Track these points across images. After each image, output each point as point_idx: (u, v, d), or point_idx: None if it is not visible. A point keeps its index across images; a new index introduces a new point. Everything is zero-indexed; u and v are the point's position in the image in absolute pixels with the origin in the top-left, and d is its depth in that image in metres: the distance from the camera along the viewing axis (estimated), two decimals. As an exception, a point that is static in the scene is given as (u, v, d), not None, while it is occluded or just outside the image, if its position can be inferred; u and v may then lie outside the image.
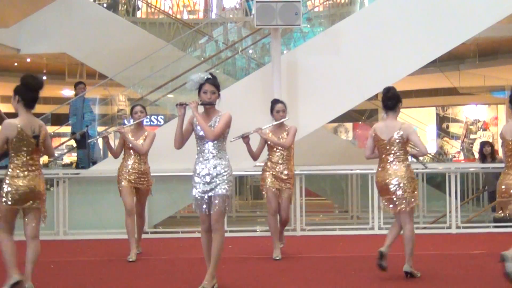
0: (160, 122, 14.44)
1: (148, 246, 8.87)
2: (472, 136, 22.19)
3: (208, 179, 5.64)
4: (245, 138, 7.06)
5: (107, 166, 10.30)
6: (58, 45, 13.82)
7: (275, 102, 7.70)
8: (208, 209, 5.68)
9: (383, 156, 6.33)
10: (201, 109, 5.72)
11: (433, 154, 18.43)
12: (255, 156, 7.43)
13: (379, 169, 6.38)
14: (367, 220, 10.00)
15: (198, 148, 5.75)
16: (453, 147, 22.16)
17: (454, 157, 21.61)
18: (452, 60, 16.95)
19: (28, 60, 17.47)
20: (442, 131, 22.19)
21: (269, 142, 7.46)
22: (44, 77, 19.42)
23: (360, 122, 21.82)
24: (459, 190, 9.95)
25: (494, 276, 6.53)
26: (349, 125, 23.47)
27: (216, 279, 5.71)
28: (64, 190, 9.59)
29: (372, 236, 9.51)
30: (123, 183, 7.69)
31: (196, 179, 5.71)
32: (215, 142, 5.65)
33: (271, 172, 7.48)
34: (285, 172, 7.45)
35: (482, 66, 17.56)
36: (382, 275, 6.57)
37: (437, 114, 22.31)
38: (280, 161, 7.45)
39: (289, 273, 6.61)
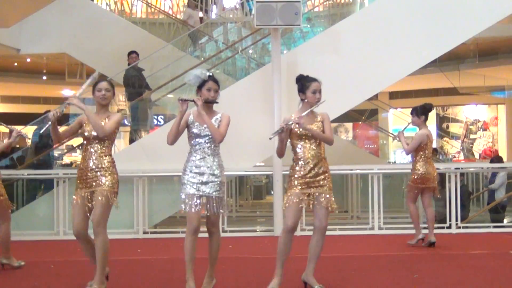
0: (160, 122, 14.41)
1: (148, 246, 8.88)
2: (472, 136, 22.20)
3: (200, 179, 5.53)
4: (285, 132, 5.68)
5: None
6: (58, 45, 13.82)
7: (309, 79, 5.94)
8: (198, 209, 5.53)
9: (428, 154, 8.23)
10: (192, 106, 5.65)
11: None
12: (283, 153, 5.82)
13: (423, 164, 8.18)
14: (367, 220, 10.01)
15: (192, 146, 5.62)
16: (453, 147, 22.16)
17: (454, 157, 21.63)
18: (452, 60, 16.95)
19: (28, 60, 17.47)
20: (442, 131, 22.20)
21: (298, 131, 5.72)
22: (44, 77, 19.48)
23: (360, 122, 21.82)
24: (459, 190, 9.96)
25: (493, 276, 6.54)
26: (349, 125, 23.49)
27: (215, 279, 5.73)
28: (64, 190, 9.59)
29: (372, 236, 9.53)
30: (76, 195, 5.73)
31: (188, 178, 5.56)
32: (211, 142, 5.56)
33: (300, 176, 5.67)
34: (321, 170, 5.70)
35: (482, 66, 17.56)
36: (382, 275, 6.58)
37: (437, 114, 22.30)
38: (312, 159, 5.68)
39: (288, 273, 6.60)
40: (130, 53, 12.06)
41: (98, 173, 5.64)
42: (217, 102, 5.67)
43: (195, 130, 5.60)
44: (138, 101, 11.48)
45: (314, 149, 5.70)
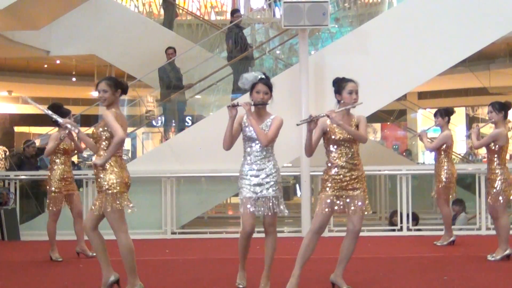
0: (187, 123, 14.50)
1: (176, 247, 8.93)
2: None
3: (256, 181, 5.61)
4: (314, 123, 5.54)
5: (135, 167, 10.37)
6: (87, 47, 13.95)
7: (345, 80, 5.74)
8: (253, 213, 5.64)
9: (451, 155, 8.64)
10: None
11: (462, 155, 18.25)
12: (312, 150, 5.63)
13: (451, 164, 8.48)
14: (395, 221, 9.95)
15: (247, 149, 5.72)
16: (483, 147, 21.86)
17: (484, 157, 21.36)
18: (482, 59, 16.75)
19: (58, 62, 17.67)
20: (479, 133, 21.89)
21: (333, 136, 5.62)
22: (73, 79, 19.69)
23: (388, 123, 21.69)
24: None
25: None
26: (378, 126, 23.34)
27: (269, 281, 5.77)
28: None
29: (400, 238, 9.47)
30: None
31: (244, 181, 5.67)
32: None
33: (334, 178, 5.59)
34: (355, 174, 5.60)
35: (513, 65, 17.34)
36: (411, 277, 6.53)
37: (467, 115, 22.09)
38: (346, 160, 5.59)
39: (315, 274, 6.58)
40: (233, 12, 12.58)
41: (101, 175, 5.48)
42: (266, 104, 5.68)
43: (248, 133, 5.67)
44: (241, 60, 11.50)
45: (350, 154, 5.59)
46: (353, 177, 5.58)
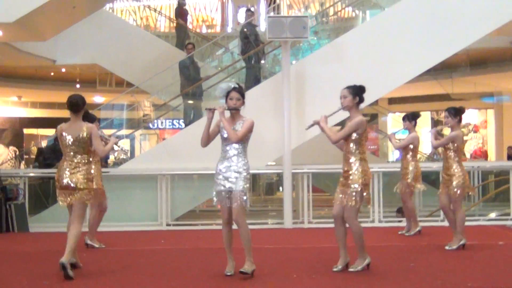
0: (181, 125, 14.48)
1: (171, 237, 8.91)
2: (464, 138, 22.01)
3: (227, 176, 5.67)
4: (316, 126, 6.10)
5: (133, 165, 10.35)
6: (90, 56, 13.91)
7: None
8: (228, 203, 5.70)
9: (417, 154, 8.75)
10: (227, 113, 5.79)
11: (428, 154, 18.35)
12: (339, 146, 6.13)
13: (416, 163, 8.62)
14: (368, 213, 9.99)
15: (222, 148, 5.79)
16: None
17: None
18: (445, 68, 16.82)
19: (63, 70, 17.57)
20: (437, 134, 22.02)
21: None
22: (77, 85, 19.60)
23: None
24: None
25: (483, 266, 6.50)
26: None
27: (254, 264, 5.82)
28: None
29: (372, 228, 9.50)
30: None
31: (218, 176, 5.74)
32: (238, 144, 5.69)
33: (341, 175, 6.04)
34: (348, 168, 5.97)
35: (473, 74, 17.42)
36: (381, 263, 6.55)
37: (432, 118, 22.20)
38: (344, 158, 6.03)
39: (296, 262, 6.60)
40: (245, 10, 12.71)
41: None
42: (237, 109, 5.75)
43: (224, 135, 5.75)
44: (252, 54, 11.45)
45: (345, 151, 5.98)
46: (348, 173, 5.95)
